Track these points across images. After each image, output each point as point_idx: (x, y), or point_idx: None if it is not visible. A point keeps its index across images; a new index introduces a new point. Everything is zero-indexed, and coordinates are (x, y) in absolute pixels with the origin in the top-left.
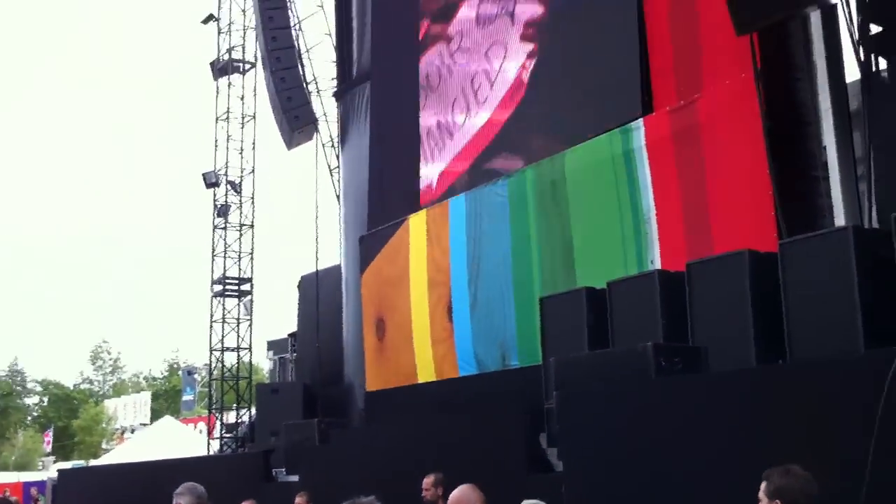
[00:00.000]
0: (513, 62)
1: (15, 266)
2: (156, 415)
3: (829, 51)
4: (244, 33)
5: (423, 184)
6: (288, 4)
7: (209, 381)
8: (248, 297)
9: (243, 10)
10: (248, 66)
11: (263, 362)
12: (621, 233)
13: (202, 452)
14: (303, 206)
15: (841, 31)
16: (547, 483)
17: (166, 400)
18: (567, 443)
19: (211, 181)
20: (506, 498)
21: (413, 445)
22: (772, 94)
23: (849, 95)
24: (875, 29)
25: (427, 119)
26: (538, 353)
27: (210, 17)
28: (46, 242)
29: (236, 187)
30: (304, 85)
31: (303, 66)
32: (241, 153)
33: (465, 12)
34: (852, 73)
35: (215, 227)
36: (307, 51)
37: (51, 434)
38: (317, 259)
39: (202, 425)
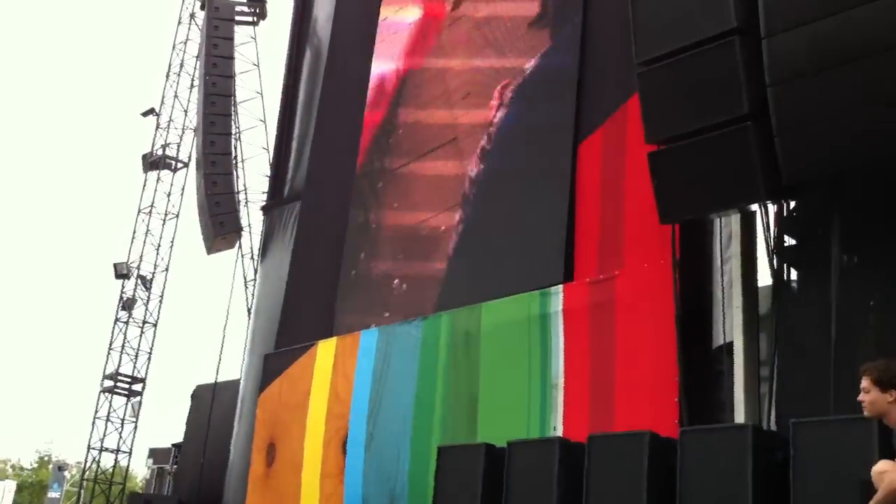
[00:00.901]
0: (444, 214)
1: None
2: None
3: (744, 253)
4: (182, 132)
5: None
6: (232, 113)
7: (80, 481)
8: (138, 397)
9: (185, 111)
10: (180, 165)
11: (140, 469)
12: (528, 394)
13: None
14: (211, 313)
15: (758, 237)
16: None
17: (31, 494)
18: None
19: (122, 272)
20: None
21: None
22: (687, 283)
23: (759, 298)
24: (789, 241)
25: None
26: (428, 502)
27: (150, 111)
28: None
29: (146, 283)
30: (236, 193)
31: (237, 174)
32: (157, 249)
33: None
34: (765, 277)
35: (117, 319)
36: (243, 161)
37: None
38: (217, 370)
39: None
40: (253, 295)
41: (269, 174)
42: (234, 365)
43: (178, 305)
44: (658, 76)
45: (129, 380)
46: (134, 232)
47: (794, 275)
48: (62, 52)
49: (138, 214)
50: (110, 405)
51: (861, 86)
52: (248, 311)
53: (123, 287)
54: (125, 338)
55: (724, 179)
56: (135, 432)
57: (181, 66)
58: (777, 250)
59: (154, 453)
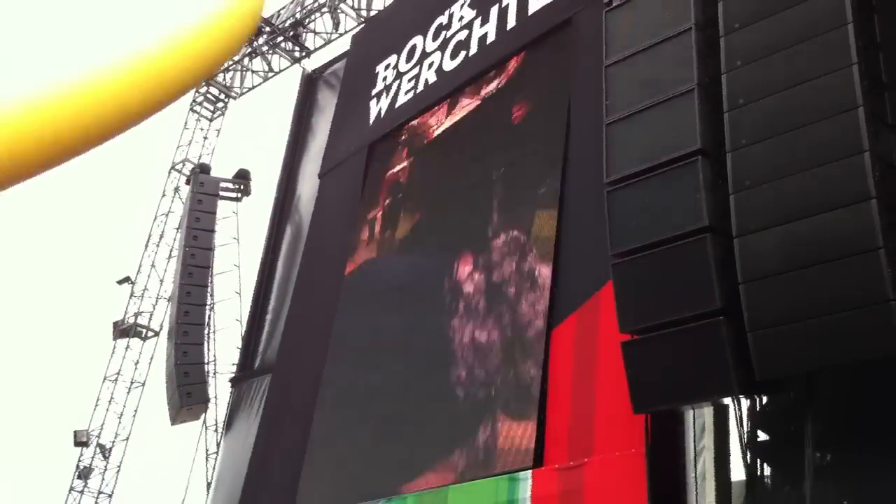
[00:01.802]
0: None
1: None
2: None
3: (717, 447)
4: (156, 302)
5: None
6: (209, 284)
7: None
8: None
9: (161, 280)
10: (150, 334)
11: None
12: None
13: None
14: (169, 486)
15: (731, 431)
16: None
17: None
18: None
19: (81, 440)
20: None
21: None
22: (658, 474)
23: (732, 493)
24: (763, 436)
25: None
26: None
27: (126, 279)
28: None
29: (105, 452)
30: (205, 364)
31: (207, 346)
32: (119, 418)
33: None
34: (738, 472)
35: (72, 488)
36: (214, 331)
37: None
38: None
39: None
40: (214, 468)
41: (239, 346)
42: None
43: (136, 476)
44: (632, 268)
45: None
46: (97, 399)
47: (767, 471)
48: (44, 216)
49: (104, 382)
50: None
51: (833, 288)
52: (208, 485)
53: (81, 455)
54: None
55: (698, 372)
56: None
57: (161, 236)
58: (750, 445)
59: None
